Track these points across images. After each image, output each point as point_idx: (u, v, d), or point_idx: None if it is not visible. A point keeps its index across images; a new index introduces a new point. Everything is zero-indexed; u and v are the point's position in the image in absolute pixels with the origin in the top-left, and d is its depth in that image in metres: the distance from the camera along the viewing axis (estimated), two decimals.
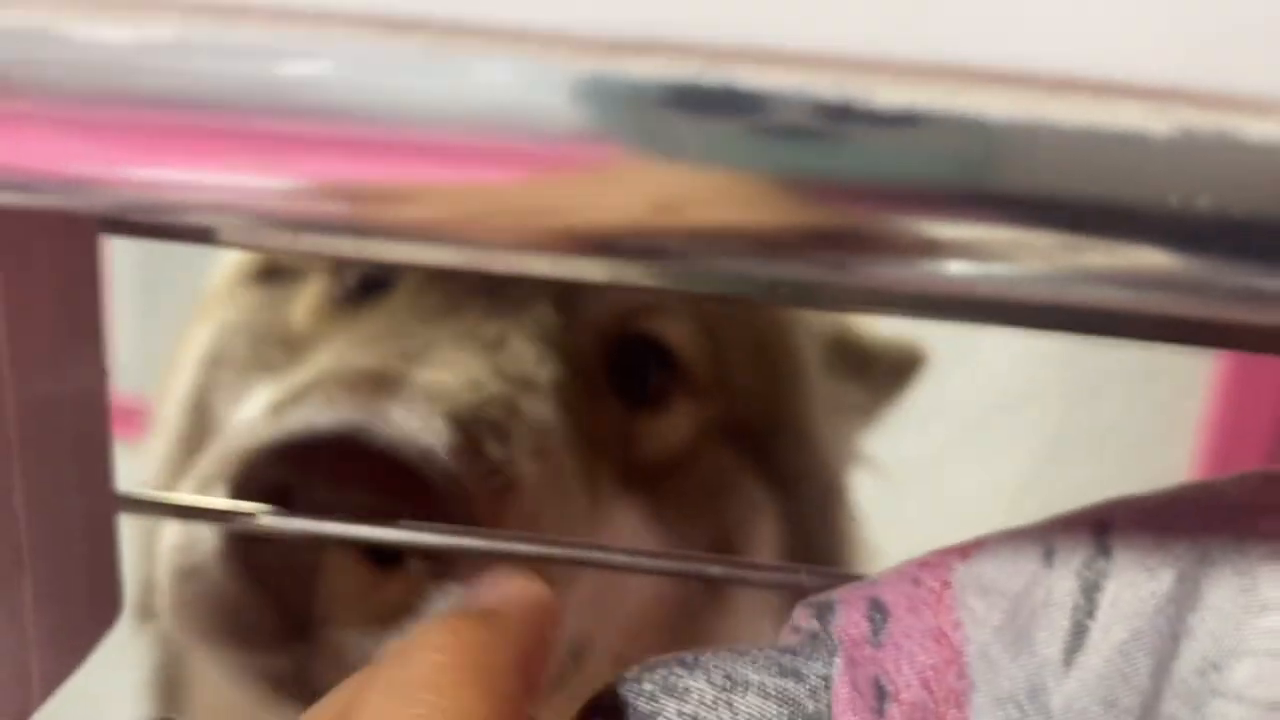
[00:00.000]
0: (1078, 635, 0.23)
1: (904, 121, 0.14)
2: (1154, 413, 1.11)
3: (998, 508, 1.09)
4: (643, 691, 0.25)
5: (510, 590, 0.26)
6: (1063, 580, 0.24)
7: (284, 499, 0.35)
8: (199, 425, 0.52)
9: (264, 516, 0.32)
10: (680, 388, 0.51)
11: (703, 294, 0.47)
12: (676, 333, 0.50)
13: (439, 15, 0.14)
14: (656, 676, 0.25)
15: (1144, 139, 0.14)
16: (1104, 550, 0.24)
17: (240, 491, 0.37)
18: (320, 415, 0.38)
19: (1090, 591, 0.24)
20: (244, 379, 0.50)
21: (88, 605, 0.33)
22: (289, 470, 0.36)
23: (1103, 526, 0.24)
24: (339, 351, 0.45)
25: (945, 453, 1.11)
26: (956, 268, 0.15)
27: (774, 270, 0.15)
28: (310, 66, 0.15)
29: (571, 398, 0.45)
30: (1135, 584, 0.23)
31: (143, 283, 1.04)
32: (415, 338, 0.44)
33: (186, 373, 0.54)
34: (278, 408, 0.41)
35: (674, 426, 0.50)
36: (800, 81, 0.14)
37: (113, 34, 0.15)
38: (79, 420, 0.32)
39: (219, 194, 0.16)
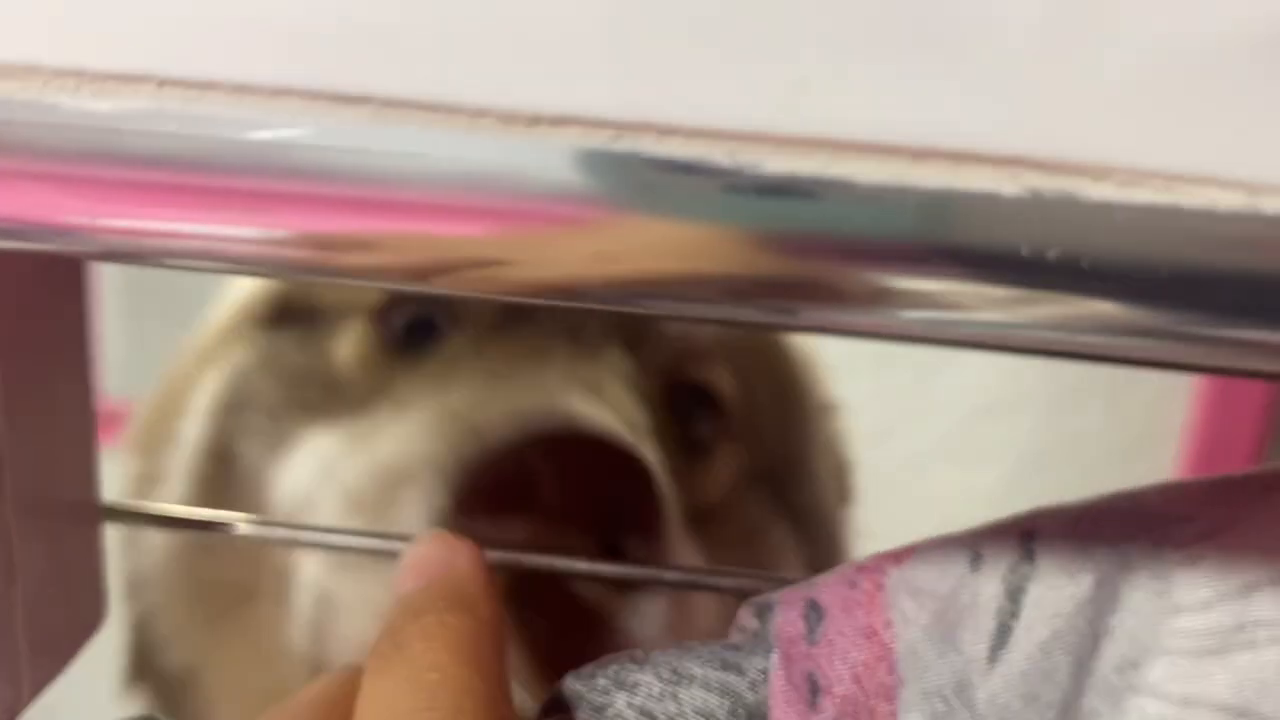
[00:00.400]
0: (1002, 635, 0.25)
1: (790, 185, 0.16)
2: (1138, 417, 1.10)
3: (980, 513, 1.08)
4: (596, 686, 0.26)
5: (457, 564, 0.27)
6: (989, 584, 0.25)
7: (527, 496, 0.34)
8: (222, 472, 0.49)
9: (244, 526, 0.33)
10: (724, 435, 0.50)
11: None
12: (720, 379, 0.50)
13: (378, 92, 0.16)
14: (609, 672, 0.26)
15: (996, 198, 0.16)
16: (1028, 555, 0.25)
17: (467, 496, 0.36)
18: (534, 417, 0.36)
19: (1015, 594, 0.25)
20: (277, 424, 0.48)
21: (74, 611, 0.34)
22: (536, 462, 0.35)
23: (1028, 534, 0.25)
24: (448, 392, 0.43)
25: (929, 457, 1.11)
26: (832, 309, 0.17)
27: (675, 308, 0.17)
28: (269, 134, 0.17)
29: (654, 444, 0.44)
30: (1057, 587, 0.25)
31: (126, 287, 1.05)
32: (523, 378, 0.42)
33: (199, 419, 0.51)
34: (451, 432, 0.38)
35: (720, 474, 0.50)
36: (702, 151, 0.16)
37: (95, 104, 0.17)
38: (67, 433, 0.33)
39: (186, 241, 0.18)
